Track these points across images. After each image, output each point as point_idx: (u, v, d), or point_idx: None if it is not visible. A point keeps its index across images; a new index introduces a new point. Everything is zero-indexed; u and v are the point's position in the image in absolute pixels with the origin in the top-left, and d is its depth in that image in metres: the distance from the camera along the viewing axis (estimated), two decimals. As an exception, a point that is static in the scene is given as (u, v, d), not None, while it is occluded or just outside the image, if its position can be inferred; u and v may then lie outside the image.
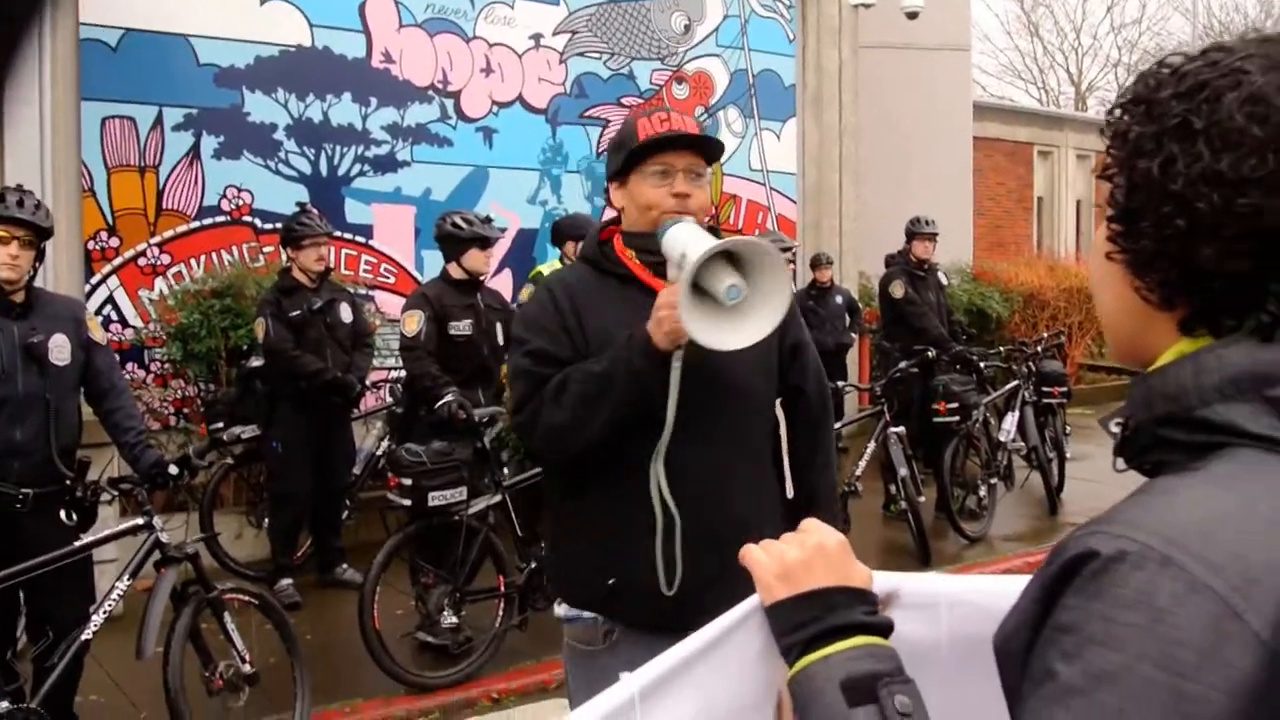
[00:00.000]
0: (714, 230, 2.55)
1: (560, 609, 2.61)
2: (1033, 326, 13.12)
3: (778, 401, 2.60)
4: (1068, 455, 9.08)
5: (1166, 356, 0.96)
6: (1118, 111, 1.01)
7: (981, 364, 8.30)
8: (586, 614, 2.53)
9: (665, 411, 2.34)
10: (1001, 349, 9.50)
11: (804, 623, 1.09)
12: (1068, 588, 0.86)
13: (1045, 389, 8.62)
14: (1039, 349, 9.01)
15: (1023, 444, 8.34)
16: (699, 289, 2.21)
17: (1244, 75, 0.92)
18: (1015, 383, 8.49)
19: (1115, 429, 1.02)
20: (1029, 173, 19.52)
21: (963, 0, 14.83)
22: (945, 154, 14.26)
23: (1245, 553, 0.81)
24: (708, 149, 2.54)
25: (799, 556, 1.14)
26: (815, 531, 1.17)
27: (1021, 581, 1.01)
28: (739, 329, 2.22)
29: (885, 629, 1.10)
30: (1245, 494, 0.85)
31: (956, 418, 7.47)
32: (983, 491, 7.82)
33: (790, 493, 2.59)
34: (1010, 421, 8.28)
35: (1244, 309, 0.91)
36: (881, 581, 1.19)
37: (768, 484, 2.59)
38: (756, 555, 1.18)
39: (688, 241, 2.26)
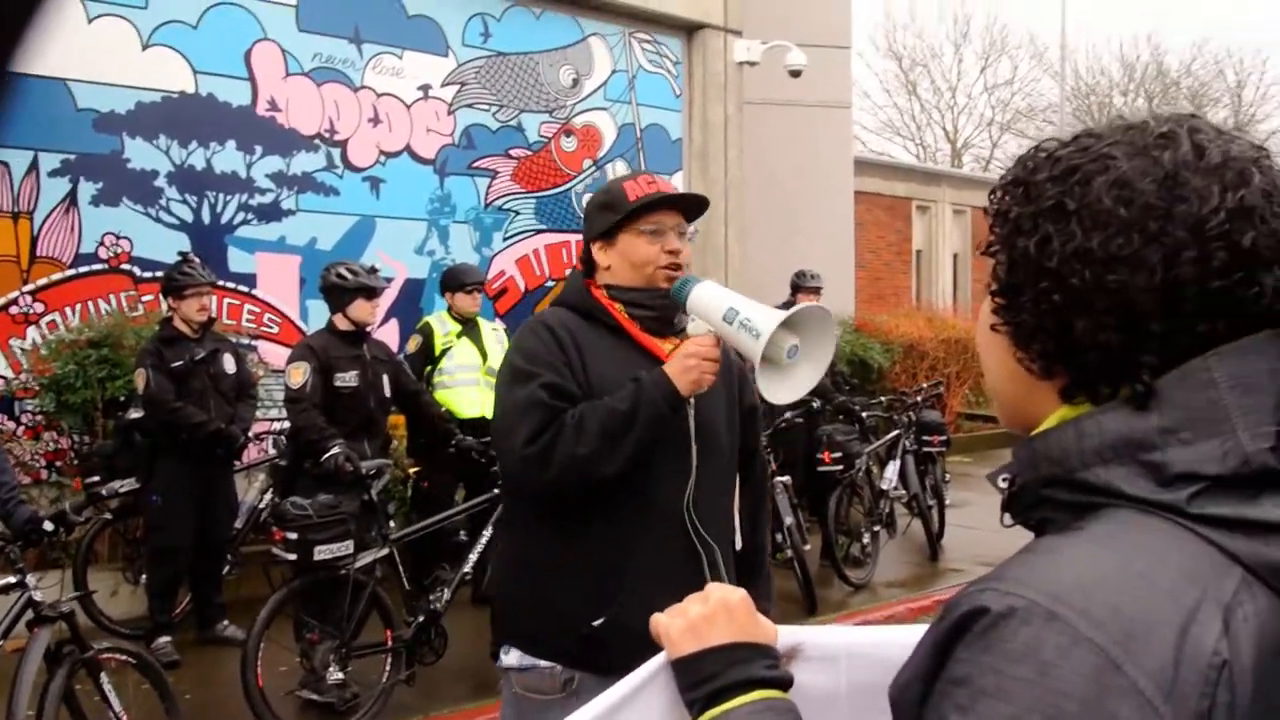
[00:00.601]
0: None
1: (510, 657, 2.59)
2: (912, 376, 13.42)
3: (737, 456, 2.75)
4: (947, 502, 9.30)
5: (1049, 422, 1.02)
6: (999, 193, 1.07)
7: (864, 414, 8.48)
8: (544, 662, 2.53)
9: (690, 455, 2.54)
10: (883, 399, 9.71)
11: (706, 678, 1.13)
12: (959, 642, 0.90)
13: (925, 438, 8.83)
14: (919, 399, 9.23)
15: (904, 492, 8.53)
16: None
17: (1111, 160, 0.98)
18: (896, 432, 8.69)
19: (1003, 484, 1.07)
20: (908, 226, 20.05)
21: (844, 59, 15.22)
22: (827, 208, 14.56)
23: (1123, 608, 0.85)
24: (688, 209, 2.69)
25: (703, 612, 1.18)
26: (718, 589, 1.21)
27: (919, 631, 1.05)
28: (792, 382, 2.38)
29: (785, 683, 1.13)
30: (1123, 552, 0.89)
31: (840, 467, 7.61)
32: (866, 539, 7.96)
33: (739, 544, 2.69)
34: (892, 470, 8.46)
35: (1118, 378, 0.97)
36: (786, 636, 1.23)
37: (730, 533, 2.68)
38: (660, 617, 1.22)
39: (732, 304, 2.37)
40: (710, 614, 1.17)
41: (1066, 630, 0.84)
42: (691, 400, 2.51)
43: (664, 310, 2.60)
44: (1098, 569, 0.89)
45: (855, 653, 1.27)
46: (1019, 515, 1.06)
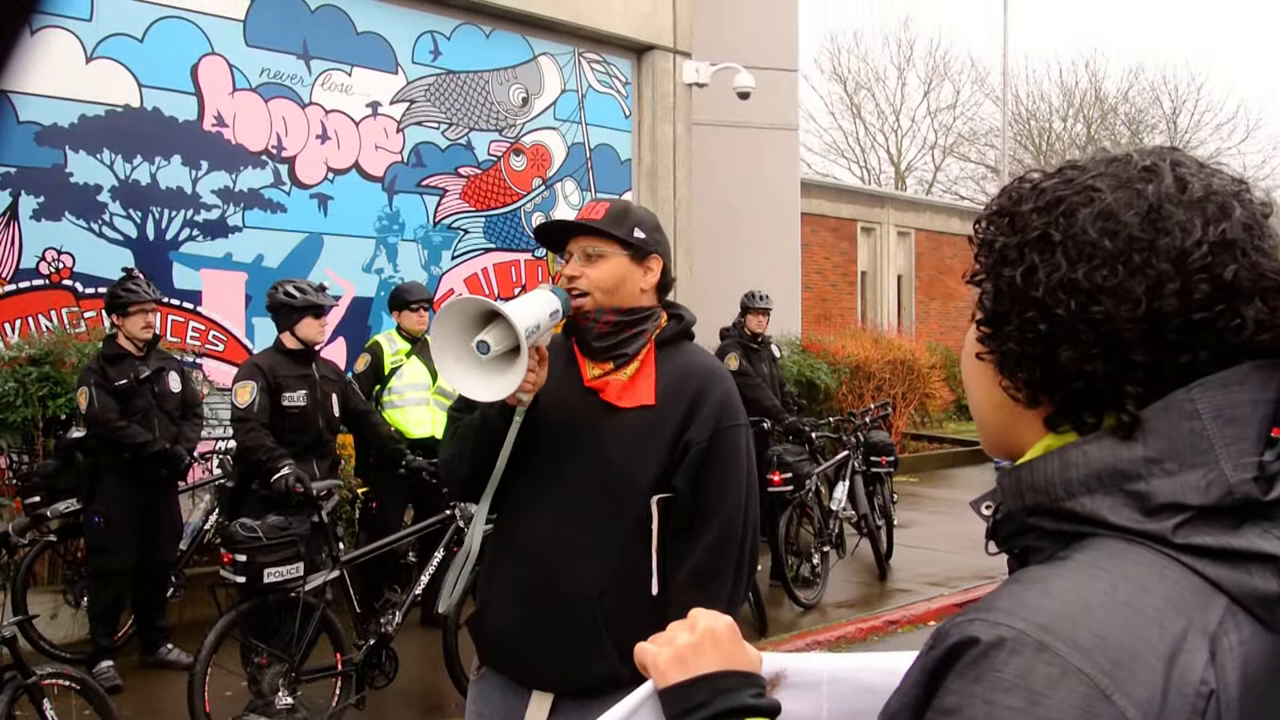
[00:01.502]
0: (620, 327, 2.59)
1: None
2: (859, 397, 13.53)
3: (655, 497, 2.47)
4: (895, 522, 9.36)
5: (1034, 450, 1.03)
6: (984, 222, 1.08)
7: (813, 434, 8.53)
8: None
9: (503, 459, 2.52)
10: (831, 420, 9.77)
11: (694, 706, 1.13)
12: (949, 672, 0.90)
13: (873, 458, 8.90)
14: (867, 420, 9.30)
15: (853, 512, 8.58)
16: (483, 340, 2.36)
17: (1095, 192, 1.00)
18: (845, 453, 8.74)
19: (986, 512, 1.08)
20: (853, 248, 20.24)
21: (790, 82, 15.35)
22: (774, 228, 14.65)
23: (1110, 637, 0.86)
24: (603, 231, 2.57)
25: (689, 641, 1.18)
26: (705, 617, 1.21)
27: (902, 658, 1.06)
28: (486, 384, 2.37)
29: (772, 711, 1.14)
30: (1109, 582, 0.90)
31: (790, 487, 7.64)
32: (816, 559, 7.99)
33: (655, 589, 2.47)
34: (841, 490, 8.51)
35: (1102, 407, 0.98)
36: (770, 663, 1.23)
37: (629, 570, 2.48)
38: (646, 647, 1.21)
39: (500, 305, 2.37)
40: (697, 643, 1.17)
41: (1056, 660, 0.85)
42: (521, 408, 2.47)
43: (584, 335, 2.59)
44: (1085, 599, 0.90)
45: (837, 678, 1.27)
46: (1002, 543, 1.07)
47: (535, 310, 2.38)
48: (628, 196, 11.36)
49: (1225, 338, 0.95)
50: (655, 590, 2.46)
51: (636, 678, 2.37)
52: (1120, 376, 0.96)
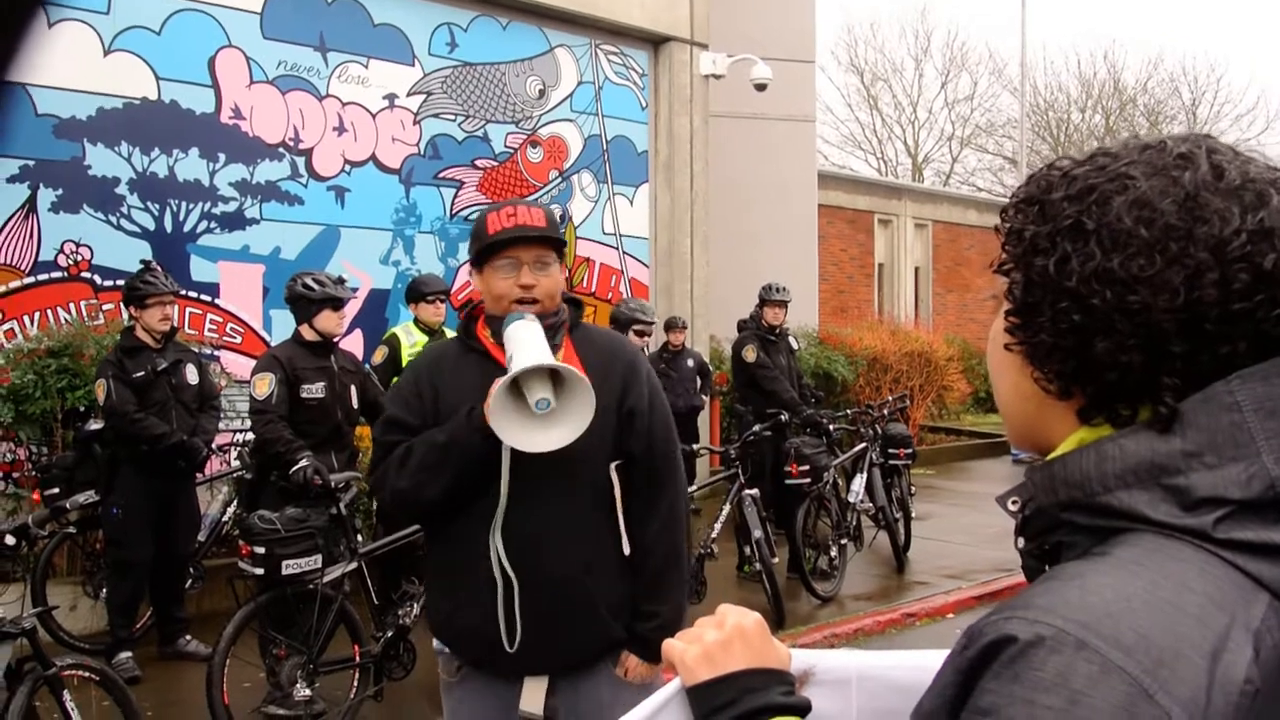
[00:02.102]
0: (555, 328, 2.75)
1: (435, 642, 2.90)
2: (876, 389, 13.50)
3: (613, 465, 2.70)
4: (913, 515, 9.33)
5: (1067, 444, 1.01)
6: (1012, 210, 1.06)
7: (830, 427, 8.50)
8: (447, 649, 2.84)
9: (499, 485, 2.59)
10: (848, 412, 9.73)
11: (723, 705, 1.12)
12: (986, 671, 0.88)
13: (891, 451, 8.86)
14: (884, 412, 9.27)
15: (871, 505, 8.55)
16: (519, 388, 2.47)
17: (1130, 180, 0.97)
18: (863, 445, 8.70)
19: (1013, 508, 1.06)
20: (870, 240, 20.18)
21: (808, 73, 15.31)
22: (790, 220, 14.63)
23: (1153, 635, 0.84)
24: (553, 239, 2.75)
25: (718, 638, 1.16)
26: (733, 613, 1.19)
27: (933, 655, 1.04)
28: (543, 434, 2.47)
29: (803, 709, 1.12)
30: (1149, 579, 0.88)
31: (808, 480, 7.60)
32: (834, 552, 7.96)
33: (627, 549, 2.71)
34: (859, 483, 8.47)
35: (1138, 398, 0.96)
36: (799, 660, 1.22)
37: (603, 539, 2.69)
38: (674, 643, 1.20)
39: (521, 345, 2.51)
40: (726, 640, 1.16)
41: (1096, 659, 0.83)
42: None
43: None
44: (1125, 596, 0.87)
45: (866, 675, 1.26)
46: (1033, 539, 1.05)
47: (544, 345, 2.54)
48: (644, 188, 11.35)
49: (1264, 328, 0.93)
50: (627, 550, 2.71)
51: (626, 632, 2.34)
52: (1157, 368, 0.94)
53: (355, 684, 5.23)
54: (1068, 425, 1.02)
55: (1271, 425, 0.91)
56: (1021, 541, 1.07)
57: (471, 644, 2.73)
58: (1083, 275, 0.96)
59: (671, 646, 1.20)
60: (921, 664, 1.17)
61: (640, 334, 7.55)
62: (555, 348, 2.68)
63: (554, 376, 2.47)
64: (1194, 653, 0.84)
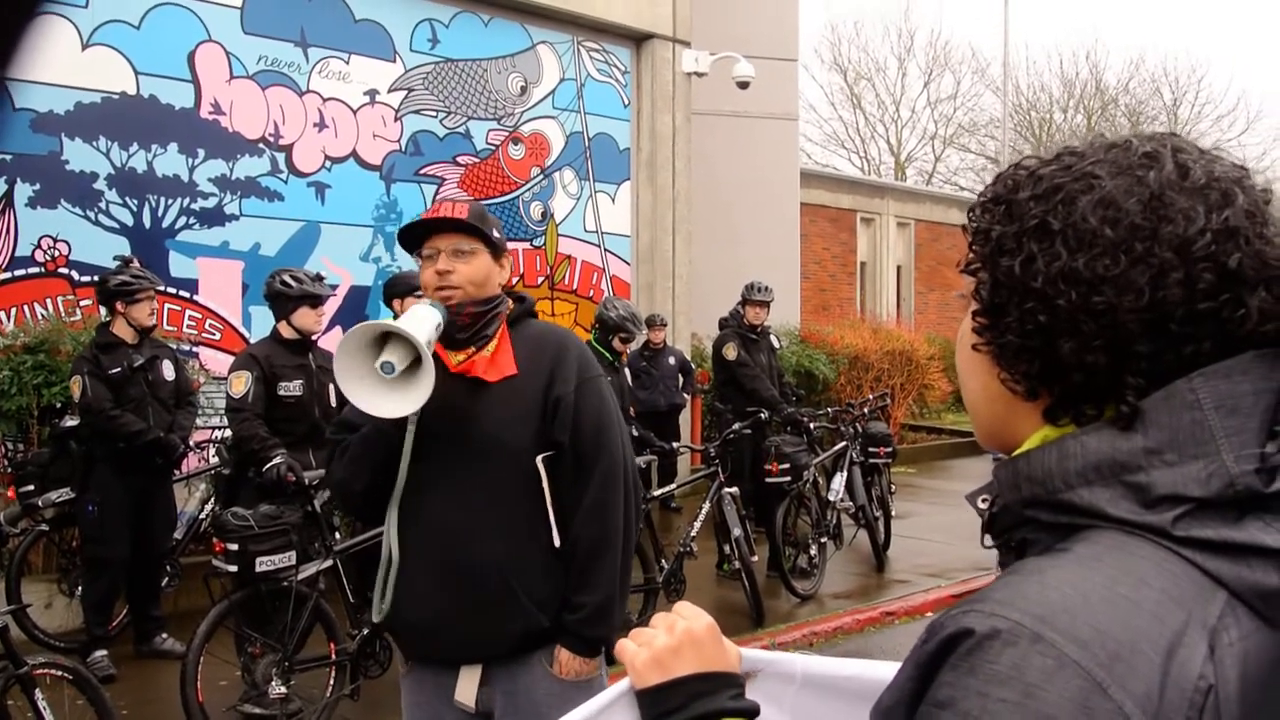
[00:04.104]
0: (482, 315, 2.77)
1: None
2: (857, 388, 13.51)
3: (540, 456, 2.70)
4: (893, 513, 9.34)
5: (1031, 442, 1.00)
6: (979, 210, 1.05)
7: (811, 425, 8.51)
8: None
9: (401, 467, 2.67)
10: (829, 410, 9.74)
11: (671, 710, 1.13)
12: (944, 664, 0.88)
13: (871, 449, 8.86)
14: (865, 410, 9.28)
15: (851, 503, 8.56)
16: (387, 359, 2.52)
17: (1095, 179, 0.97)
18: (843, 443, 8.71)
19: (982, 505, 1.05)
20: (852, 238, 20.22)
21: (790, 72, 15.32)
22: (773, 219, 14.64)
23: (1108, 630, 0.84)
24: (469, 228, 2.75)
25: (667, 643, 1.17)
26: (685, 617, 1.20)
27: (884, 666, 1.04)
28: (386, 401, 2.52)
29: (751, 713, 1.13)
30: (1108, 575, 0.88)
31: (788, 478, 7.61)
32: (813, 550, 7.96)
33: (557, 542, 2.71)
34: (839, 481, 8.48)
35: (1103, 398, 0.96)
36: (748, 660, 1.22)
37: (527, 530, 2.70)
38: (627, 644, 1.21)
39: (405, 318, 2.57)
40: (675, 645, 1.16)
41: (1052, 652, 0.83)
42: (413, 417, 2.61)
43: (447, 329, 2.72)
44: (1083, 591, 0.87)
45: (811, 679, 1.27)
46: (999, 536, 1.04)
47: (425, 325, 2.55)
48: (626, 186, 11.35)
49: (1229, 328, 0.93)
50: (557, 542, 2.71)
51: (556, 625, 2.41)
52: (1122, 367, 0.94)
53: (331, 682, 5.20)
54: (1033, 424, 1.02)
55: (1232, 423, 0.91)
56: (989, 539, 1.07)
57: (408, 635, 2.82)
58: (1048, 275, 0.95)
59: (624, 648, 1.20)
60: (871, 674, 1.18)
61: (624, 340, 7.54)
62: (486, 337, 2.75)
63: (417, 354, 2.50)
64: (1149, 648, 0.84)
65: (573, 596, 2.71)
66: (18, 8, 0.81)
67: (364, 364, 2.50)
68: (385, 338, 2.50)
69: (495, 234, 2.79)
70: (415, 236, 2.79)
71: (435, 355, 2.64)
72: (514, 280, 10.19)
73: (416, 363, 2.50)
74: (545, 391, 2.72)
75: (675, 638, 1.17)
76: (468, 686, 2.72)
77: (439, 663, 2.77)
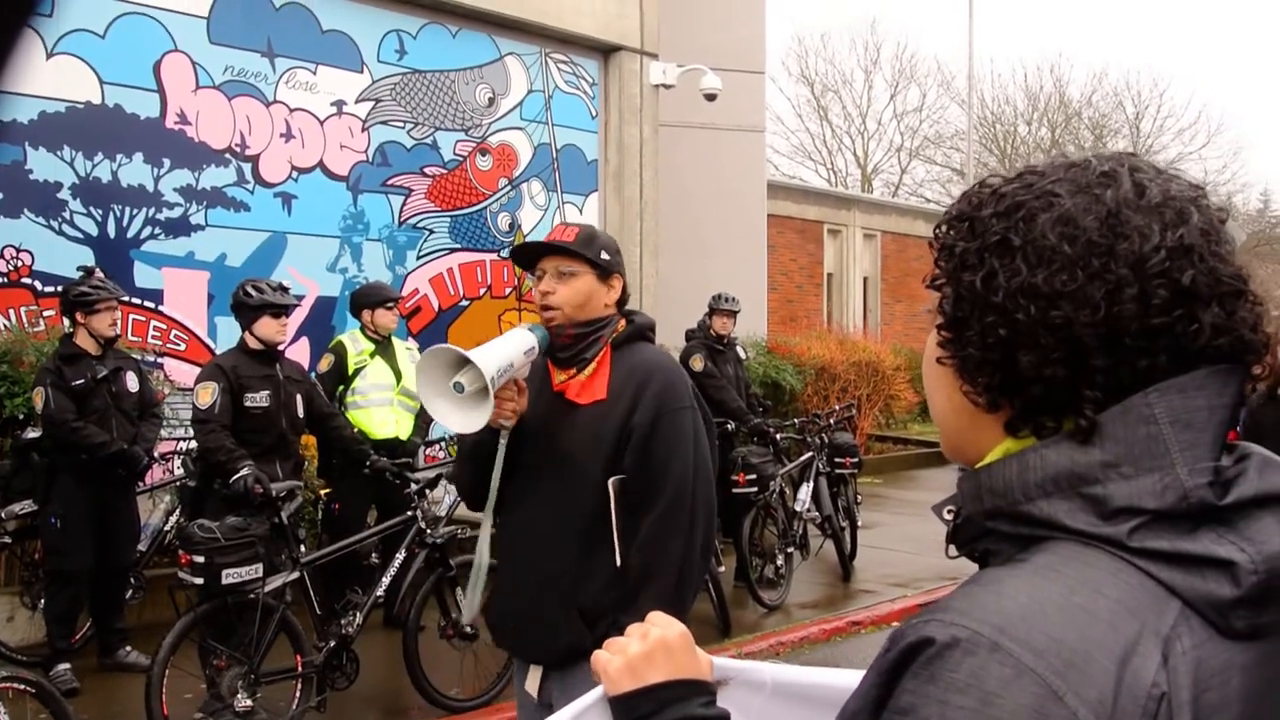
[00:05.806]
0: (583, 338, 2.90)
1: None
2: (824, 399, 13.55)
3: (611, 479, 2.79)
4: (859, 524, 9.39)
5: (994, 454, 1.02)
6: (944, 227, 1.08)
7: (777, 436, 8.54)
8: None
9: (497, 472, 2.81)
10: (796, 421, 9.78)
11: (643, 715, 1.16)
12: (905, 672, 0.90)
13: (838, 460, 8.92)
14: (831, 421, 9.32)
15: (817, 513, 8.60)
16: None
17: (1055, 197, 1.00)
18: (810, 454, 8.75)
19: (947, 516, 1.08)
20: (819, 249, 20.31)
21: (758, 84, 15.38)
22: (740, 230, 14.67)
23: (1064, 639, 0.87)
24: (574, 251, 2.87)
25: (641, 650, 1.19)
26: (658, 625, 1.21)
27: (851, 675, 1.06)
28: (455, 417, 2.66)
29: (722, 719, 1.14)
30: (1064, 585, 0.91)
31: (755, 489, 7.64)
32: (780, 560, 8.00)
33: (618, 561, 2.80)
34: (805, 492, 8.51)
35: (1062, 411, 0.98)
36: (719, 668, 1.24)
37: (591, 547, 2.81)
38: (600, 653, 1.24)
39: (497, 340, 2.76)
40: (648, 652, 1.18)
41: (1009, 661, 0.86)
42: (505, 430, 2.79)
43: (551, 347, 2.90)
44: (1039, 601, 0.90)
45: (781, 687, 1.29)
46: (963, 546, 1.07)
47: (506, 351, 2.68)
48: (594, 197, 11.36)
49: (1183, 343, 0.95)
50: (619, 563, 2.80)
51: (599, 646, 2.44)
52: (1080, 381, 0.96)
53: (298, 694, 5.19)
54: (995, 437, 1.04)
55: (1186, 437, 0.94)
56: (952, 549, 1.09)
57: (493, 628, 3.10)
58: (1009, 290, 0.98)
59: (598, 656, 1.22)
60: (837, 683, 1.20)
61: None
62: (586, 360, 2.88)
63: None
64: (1104, 657, 0.86)
65: (620, 616, 2.77)
66: (6, 23, 0.82)
67: (442, 380, 2.64)
68: (464, 361, 2.63)
69: (604, 256, 2.90)
70: (530, 256, 2.95)
71: (547, 373, 2.90)
72: (480, 291, 10.21)
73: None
74: (625, 419, 2.82)
75: (648, 645, 1.20)
76: (534, 679, 2.92)
77: (515, 655, 3.09)
